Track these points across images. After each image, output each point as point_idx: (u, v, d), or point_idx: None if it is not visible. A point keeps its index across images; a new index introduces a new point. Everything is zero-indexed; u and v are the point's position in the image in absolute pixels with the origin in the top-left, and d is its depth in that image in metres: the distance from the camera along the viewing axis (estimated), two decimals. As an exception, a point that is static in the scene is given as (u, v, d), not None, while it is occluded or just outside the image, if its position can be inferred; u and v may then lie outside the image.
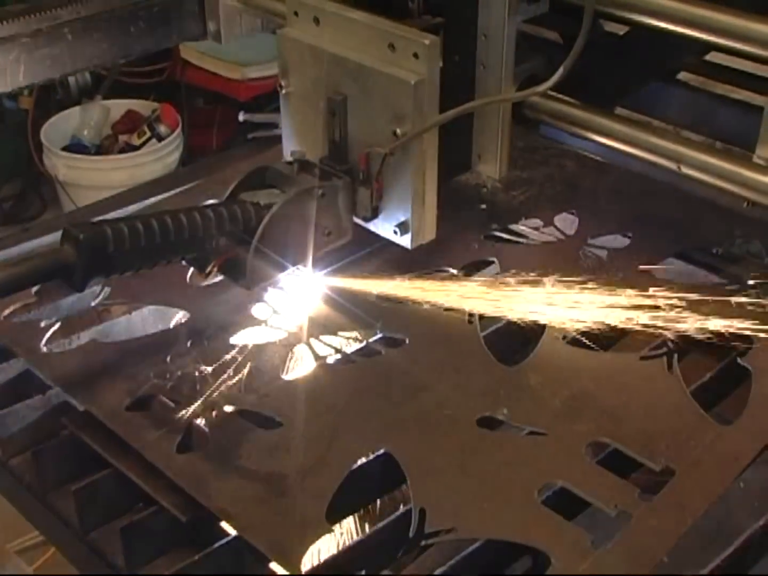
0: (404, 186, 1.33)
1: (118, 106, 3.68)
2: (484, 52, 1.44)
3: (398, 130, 1.28)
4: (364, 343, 1.36)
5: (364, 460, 1.18)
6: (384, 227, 1.39)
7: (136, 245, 1.20)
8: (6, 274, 1.16)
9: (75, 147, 3.52)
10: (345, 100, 1.33)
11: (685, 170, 1.40)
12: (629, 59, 1.57)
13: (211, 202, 1.36)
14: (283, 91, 1.42)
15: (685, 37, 1.33)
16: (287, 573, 1.06)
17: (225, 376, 1.29)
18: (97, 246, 1.18)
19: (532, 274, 1.43)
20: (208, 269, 1.28)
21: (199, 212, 1.25)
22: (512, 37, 1.42)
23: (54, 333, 1.38)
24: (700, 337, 1.33)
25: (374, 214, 1.37)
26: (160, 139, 3.50)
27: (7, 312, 1.42)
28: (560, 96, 1.50)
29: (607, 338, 1.35)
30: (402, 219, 1.36)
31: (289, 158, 1.37)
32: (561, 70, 1.33)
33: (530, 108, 1.53)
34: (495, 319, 1.40)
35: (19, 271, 1.17)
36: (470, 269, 1.51)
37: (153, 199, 1.72)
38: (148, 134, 3.54)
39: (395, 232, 1.37)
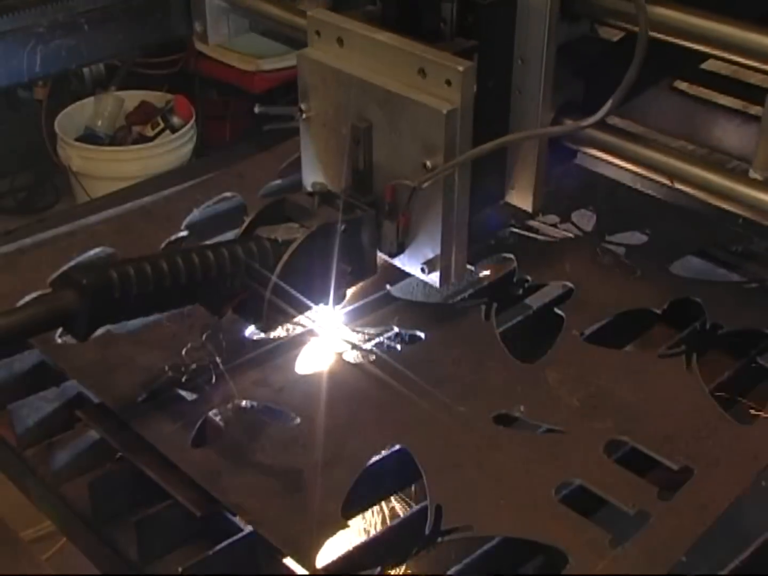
0: (433, 221, 1.25)
1: (132, 97, 3.67)
2: (520, 78, 1.32)
3: (428, 163, 1.21)
4: (381, 338, 1.35)
5: (379, 455, 1.17)
6: (410, 264, 1.30)
7: (145, 290, 1.10)
8: (1, 323, 1.06)
9: (89, 138, 3.51)
10: (370, 128, 1.26)
11: (678, 186, 1.33)
12: (624, 66, 1.51)
13: (225, 239, 1.31)
14: (303, 116, 1.33)
15: (681, 46, 1.27)
16: (302, 568, 1.05)
17: (240, 369, 1.28)
18: (102, 292, 1.08)
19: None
20: (222, 311, 1.21)
21: (212, 251, 1.17)
22: (551, 61, 1.30)
23: (69, 324, 1.37)
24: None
25: (400, 250, 1.29)
26: (173, 130, 3.49)
27: (21, 302, 1.41)
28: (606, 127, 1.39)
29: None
30: (430, 256, 1.28)
31: (309, 189, 1.29)
32: (610, 103, 1.22)
33: (570, 138, 1.42)
34: (512, 315, 1.39)
35: (17, 320, 1.07)
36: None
37: (169, 191, 1.71)
38: (162, 125, 3.52)
39: (423, 270, 1.29)
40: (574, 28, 1.37)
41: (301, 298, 1.21)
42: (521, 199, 1.42)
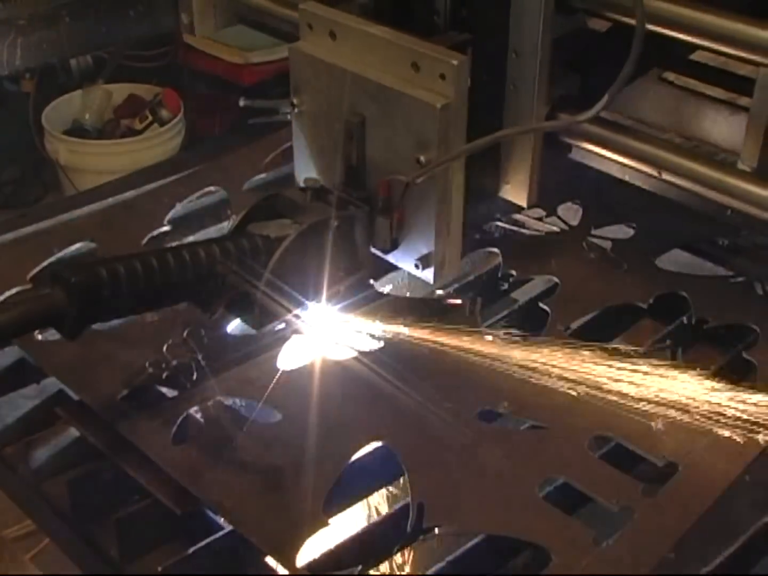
0: (427, 217, 1.24)
1: (120, 91, 3.65)
2: (514, 71, 1.31)
3: (422, 158, 1.19)
4: (364, 334, 1.34)
5: (361, 453, 1.16)
6: (404, 260, 1.29)
7: (135, 288, 1.09)
8: None
9: (76, 131, 3.49)
10: (363, 123, 1.24)
11: (666, 177, 1.32)
12: (612, 57, 1.49)
13: (217, 235, 1.29)
14: (296, 110, 1.32)
15: (669, 37, 1.25)
16: (282, 567, 1.05)
17: (221, 366, 1.27)
18: (91, 290, 1.06)
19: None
20: (213, 309, 1.19)
21: (203, 248, 1.15)
22: (546, 55, 1.29)
23: (49, 321, 1.35)
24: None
25: (394, 246, 1.27)
26: (162, 123, 3.47)
27: (1, 299, 1.40)
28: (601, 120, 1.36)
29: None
30: (424, 252, 1.27)
31: (301, 184, 1.27)
32: (606, 98, 1.20)
33: (565, 132, 1.40)
34: (497, 310, 1.39)
35: (4, 319, 1.05)
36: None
37: (153, 185, 1.70)
38: (150, 119, 3.50)
39: (416, 266, 1.28)
40: (569, 21, 1.34)
41: (294, 294, 1.20)
42: (516, 194, 1.41)
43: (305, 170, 1.35)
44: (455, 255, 1.30)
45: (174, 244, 1.50)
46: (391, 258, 1.30)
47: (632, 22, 1.19)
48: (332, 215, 1.22)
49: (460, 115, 1.20)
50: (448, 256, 1.29)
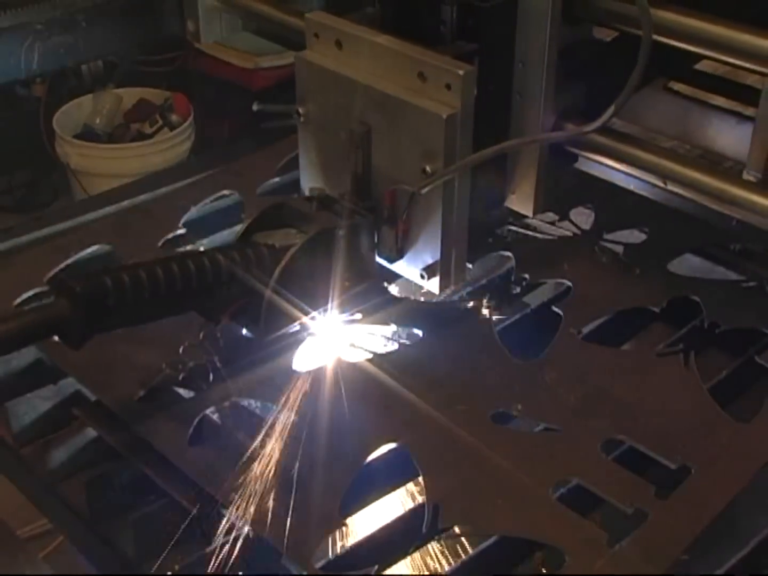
0: (433, 226, 1.24)
1: (131, 95, 3.66)
2: (520, 81, 1.31)
3: (428, 168, 1.19)
4: (379, 337, 1.35)
5: (377, 454, 1.17)
6: (409, 269, 1.29)
7: (140, 297, 1.08)
8: None
9: (87, 135, 3.51)
10: (369, 132, 1.24)
11: (672, 187, 1.32)
12: (617, 66, 1.49)
13: (231, 238, 1.29)
14: (301, 119, 1.32)
15: (675, 47, 1.25)
16: (299, 567, 1.05)
17: (237, 367, 1.28)
18: (96, 299, 1.06)
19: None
20: (219, 318, 1.19)
21: (208, 257, 1.15)
22: (553, 65, 1.29)
23: (66, 322, 1.36)
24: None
25: (399, 255, 1.28)
26: (171, 128, 3.49)
27: (19, 300, 1.41)
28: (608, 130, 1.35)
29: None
30: (430, 262, 1.27)
31: (307, 193, 1.27)
32: (613, 108, 1.21)
33: (570, 142, 1.39)
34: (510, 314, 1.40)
35: (8, 329, 1.03)
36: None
37: (167, 188, 1.71)
38: (160, 123, 3.52)
39: (422, 276, 1.28)
40: (574, 31, 1.34)
41: (300, 304, 1.20)
42: (521, 203, 1.41)
43: (311, 179, 1.35)
44: (460, 264, 1.30)
45: (184, 248, 1.52)
46: (396, 267, 1.31)
47: (638, 32, 1.20)
48: (338, 224, 1.22)
49: (467, 125, 1.19)
50: (454, 265, 1.29)
